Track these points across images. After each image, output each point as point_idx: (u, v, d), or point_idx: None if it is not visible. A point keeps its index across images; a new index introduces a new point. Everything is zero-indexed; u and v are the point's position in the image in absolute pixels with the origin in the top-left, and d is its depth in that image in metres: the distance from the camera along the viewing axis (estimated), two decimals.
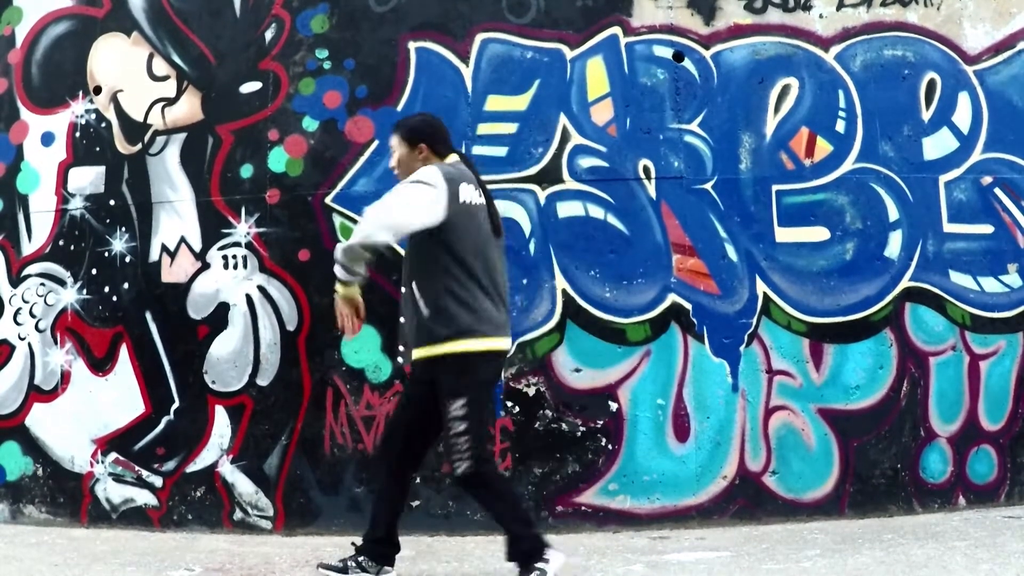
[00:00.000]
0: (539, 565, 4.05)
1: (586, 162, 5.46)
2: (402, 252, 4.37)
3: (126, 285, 5.68)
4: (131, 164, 5.72)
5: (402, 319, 4.27)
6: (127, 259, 5.69)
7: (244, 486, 5.51)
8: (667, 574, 4.48)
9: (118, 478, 5.65)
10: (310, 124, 5.54)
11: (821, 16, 5.58)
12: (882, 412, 5.46)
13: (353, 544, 4.33)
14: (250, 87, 5.61)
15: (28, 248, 5.85)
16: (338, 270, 4.15)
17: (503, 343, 4.20)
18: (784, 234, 5.47)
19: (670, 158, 5.47)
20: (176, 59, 5.71)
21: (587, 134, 5.48)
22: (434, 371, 4.13)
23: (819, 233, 5.49)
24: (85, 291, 5.73)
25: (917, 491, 5.48)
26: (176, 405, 5.60)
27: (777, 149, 5.51)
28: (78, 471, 5.71)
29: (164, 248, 5.64)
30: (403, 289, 4.26)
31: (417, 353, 4.16)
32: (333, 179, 5.51)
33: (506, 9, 5.52)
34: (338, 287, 4.21)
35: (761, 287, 5.44)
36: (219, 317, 5.57)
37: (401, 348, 4.35)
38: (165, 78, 5.71)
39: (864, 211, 5.51)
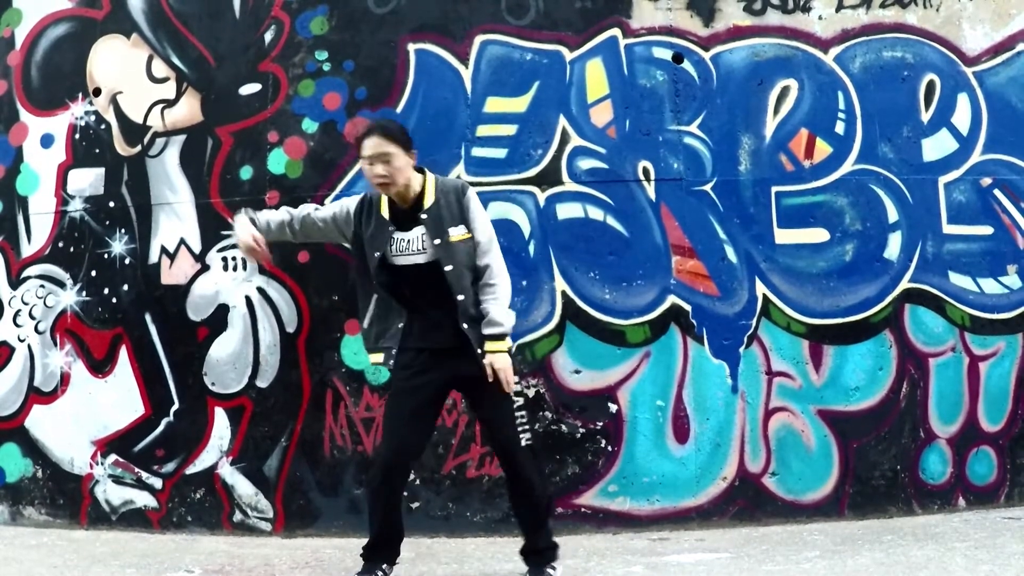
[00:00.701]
0: (551, 570, 4.23)
1: (586, 164, 5.47)
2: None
3: (126, 287, 5.68)
4: (131, 166, 5.72)
5: (465, 325, 4.18)
6: (127, 261, 5.69)
7: (244, 488, 5.51)
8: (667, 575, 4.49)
9: (118, 480, 5.65)
10: (310, 126, 5.54)
11: (820, 18, 5.58)
12: (882, 413, 5.46)
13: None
14: (249, 89, 5.61)
15: (28, 250, 5.85)
16: (507, 336, 4.21)
17: None
18: (784, 235, 5.48)
19: (669, 160, 5.47)
20: (175, 61, 5.71)
21: (586, 136, 5.48)
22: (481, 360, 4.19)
23: (818, 235, 5.49)
24: (85, 293, 5.73)
25: (917, 492, 5.48)
26: (176, 407, 5.60)
27: (776, 151, 5.51)
28: (78, 473, 5.71)
29: (164, 250, 5.64)
30: (456, 298, 4.17)
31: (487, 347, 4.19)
32: (332, 181, 5.51)
33: (505, 11, 5.52)
34: (504, 347, 4.19)
35: (761, 288, 5.44)
36: (218, 319, 5.57)
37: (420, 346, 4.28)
38: (164, 80, 5.72)
39: (864, 212, 5.52)
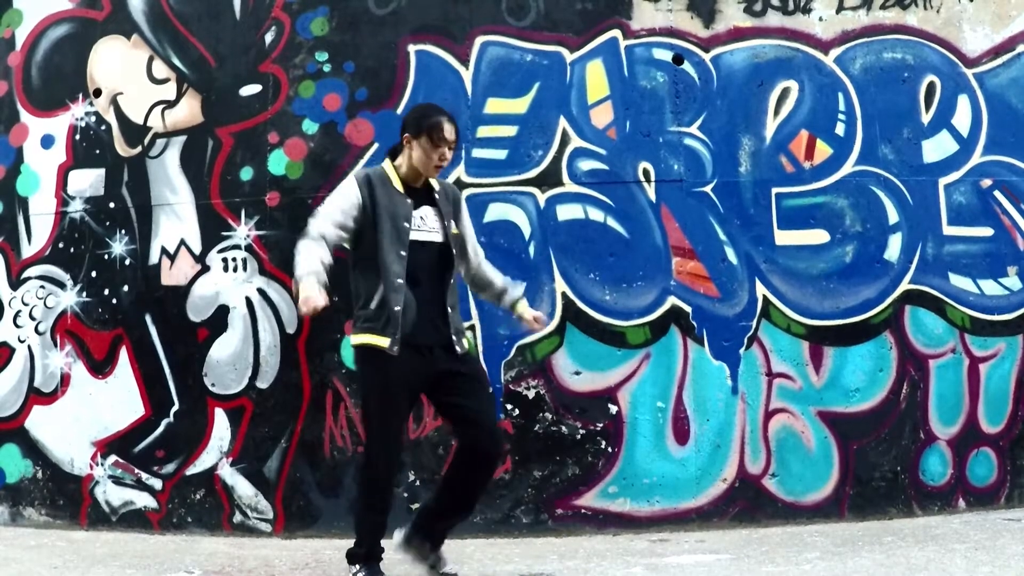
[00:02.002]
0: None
1: (586, 165, 5.47)
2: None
3: (126, 287, 5.68)
4: (131, 167, 5.72)
5: (449, 308, 4.23)
6: (127, 261, 5.69)
7: (244, 489, 5.51)
8: None
9: (118, 480, 5.65)
10: (310, 127, 5.55)
11: (821, 19, 5.59)
12: (882, 415, 5.46)
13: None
14: (250, 90, 5.61)
15: (28, 251, 5.85)
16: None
17: None
18: (784, 237, 5.48)
19: (670, 161, 5.47)
20: (176, 62, 5.71)
21: (587, 137, 5.48)
22: (467, 355, 4.30)
23: (819, 236, 5.49)
24: (85, 293, 5.74)
25: (917, 494, 5.48)
26: (176, 408, 5.60)
27: (777, 152, 5.52)
28: (78, 473, 5.71)
29: (164, 251, 5.65)
30: (449, 283, 4.28)
31: (465, 339, 4.33)
32: (333, 182, 5.47)
33: (506, 12, 5.52)
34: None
35: (761, 290, 5.44)
36: (219, 320, 5.57)
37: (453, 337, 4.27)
38: (165, 81, 5.72)
39: (864, 214, 5.52)
